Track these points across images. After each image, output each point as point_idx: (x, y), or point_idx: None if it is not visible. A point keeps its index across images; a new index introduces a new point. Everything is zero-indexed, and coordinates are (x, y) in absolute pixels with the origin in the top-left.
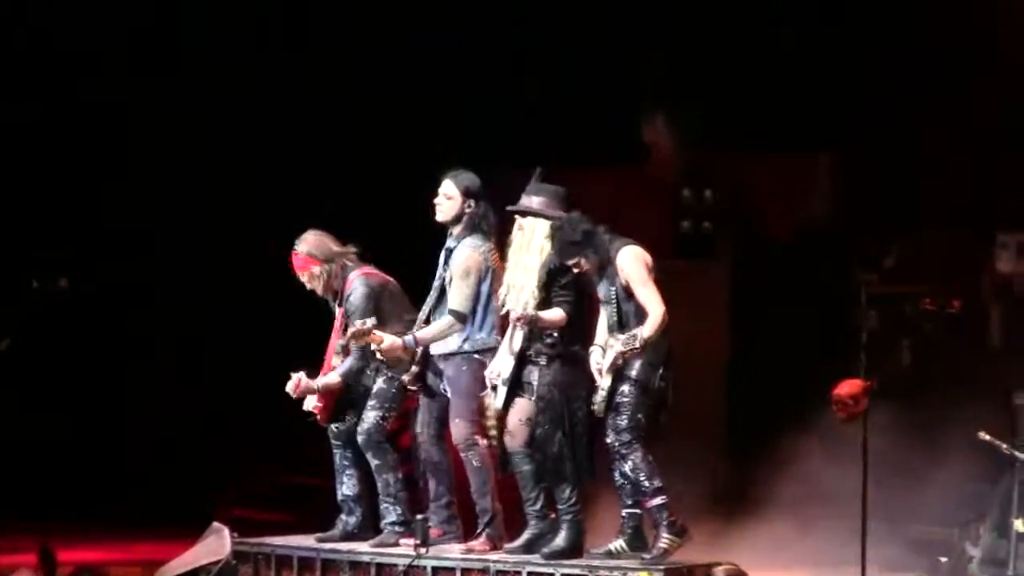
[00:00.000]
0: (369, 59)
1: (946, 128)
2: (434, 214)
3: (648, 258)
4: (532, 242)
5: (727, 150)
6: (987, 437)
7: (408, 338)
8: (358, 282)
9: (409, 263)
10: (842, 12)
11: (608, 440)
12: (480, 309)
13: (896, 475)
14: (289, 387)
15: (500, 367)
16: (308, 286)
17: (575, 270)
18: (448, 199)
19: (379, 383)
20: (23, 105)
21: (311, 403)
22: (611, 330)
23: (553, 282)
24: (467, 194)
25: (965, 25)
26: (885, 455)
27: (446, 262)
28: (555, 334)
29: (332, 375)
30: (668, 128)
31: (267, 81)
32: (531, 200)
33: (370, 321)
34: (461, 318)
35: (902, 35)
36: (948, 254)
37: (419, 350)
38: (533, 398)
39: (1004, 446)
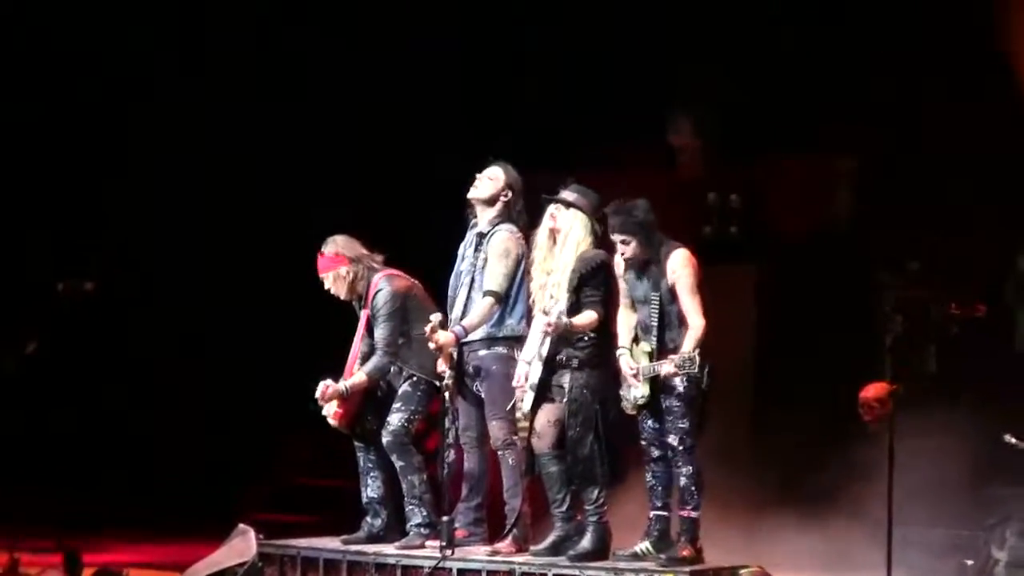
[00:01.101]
0: (369, 59)
1: (970, 129)
2: (467, 191)
3: (692, 261)
4: (569, 236)
5: (752, 152)
6: (1012, 440)
7: (457, 328)
8: (383, 283)
9: (407, 263)
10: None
11: (672, 443)
12: (512, 294)
13: (922, 478)
14: (317, 394)
15: (528, 371)
16: (332, 289)
17: (621, 253)
18: (489, 180)
19: (404, 386)
20: (31, 104)
21: (331, 410)
22: (646, 331)
23: (585, 283)
24: (508, 184)
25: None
26: (910, 458)
27: (477, 248)
28: (587, 337)
29: (359, 375)
30: (694, 131)
31: (266, 81)
32: (570, 195)
33: (435, 317)
34: (499, 298)
35: (938, 35)
36: (972, 257)
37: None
38: (564, 401)
39: None
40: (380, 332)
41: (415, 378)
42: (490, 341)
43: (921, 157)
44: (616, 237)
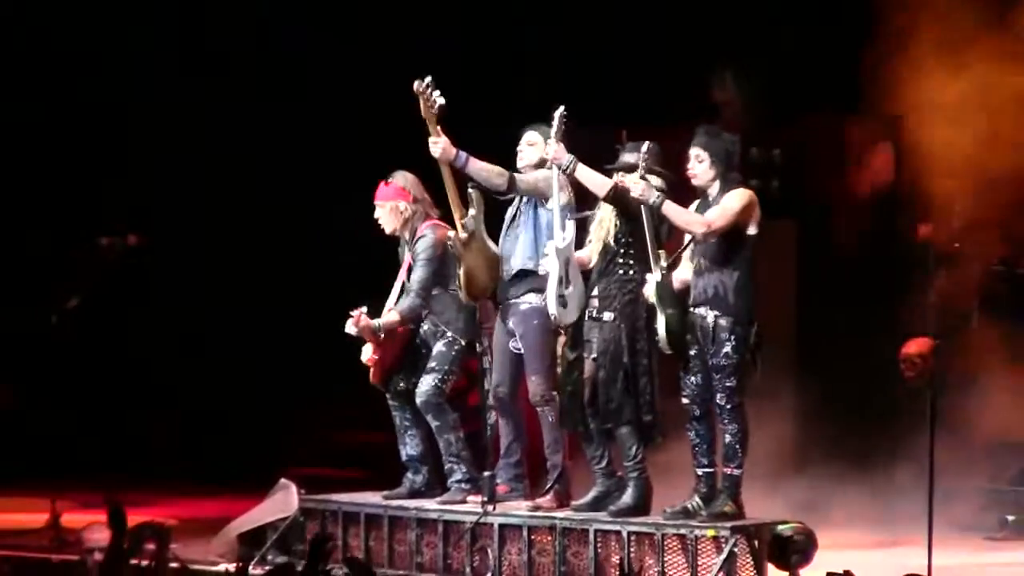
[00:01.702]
0: (368, 58)
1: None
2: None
3: (755, 207)
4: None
5: (795, 109)
6: None
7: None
8: (429, 231)
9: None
10: None
11: (719, 401)
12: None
13: (964, 434)
14: (349, 324)
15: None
16: (381, 220)
17: (689, 168)
18: (530, 145)
19: (439, 346)
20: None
21: (367, 354)
22: (697, 273)
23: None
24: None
25: None
26: (953, 413)
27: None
28: (630, 272)
29: (391, 314)
30: (736, 88)
31: (267, 81)
32: (630, 156)
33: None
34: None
35: None
36: (1016, 213)
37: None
38: (594, 355)
39: None
40: (416, 275)
41: (450, 338)
42: (529, 304)
43: (957, 112)
44: (692, 151)
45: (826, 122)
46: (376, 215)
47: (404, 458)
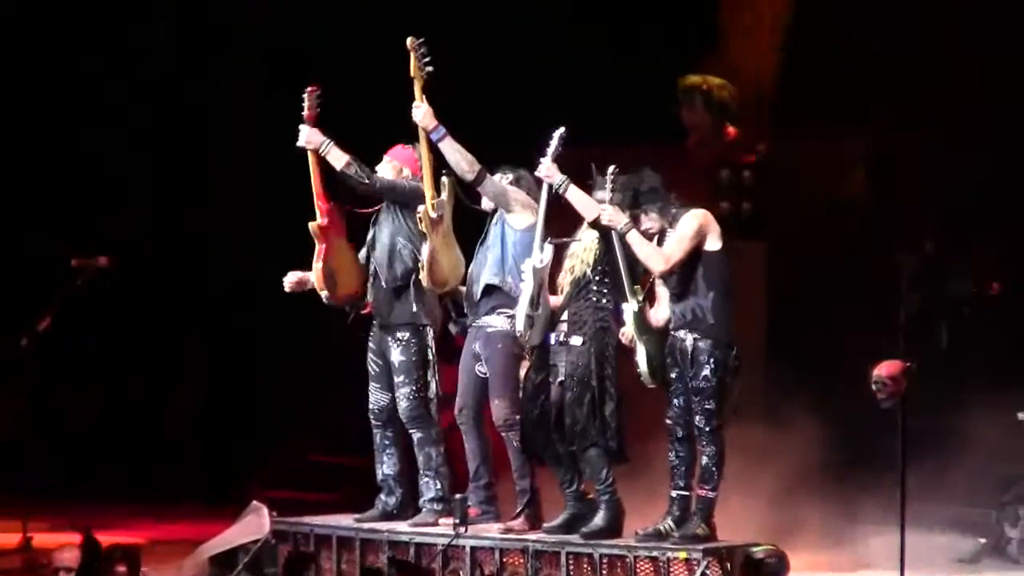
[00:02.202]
0: (368, 58)
1: (984, 105)
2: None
3: (710, 224)
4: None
5: (765, 128)
6: None
7: None
8: None
9: None
10: None
11: (698, 423)
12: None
13: (935, 456)
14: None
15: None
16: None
17: (646, 228)
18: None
19: (397, 355)
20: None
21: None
22: (674, 298)
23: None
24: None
25: None
26: (923, 436)
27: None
28: (603, 300)
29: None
30: (706, 108)
31: (266, 81)
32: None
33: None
34: None
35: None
36: (987, 237)
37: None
38: (561, 379)
39: None
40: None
41: (404, 343)
42: (493, 317)
43: (938, 133)
44: (632, 214)
45: (797, 141)
46: (378, 167)
47: (380, 477)
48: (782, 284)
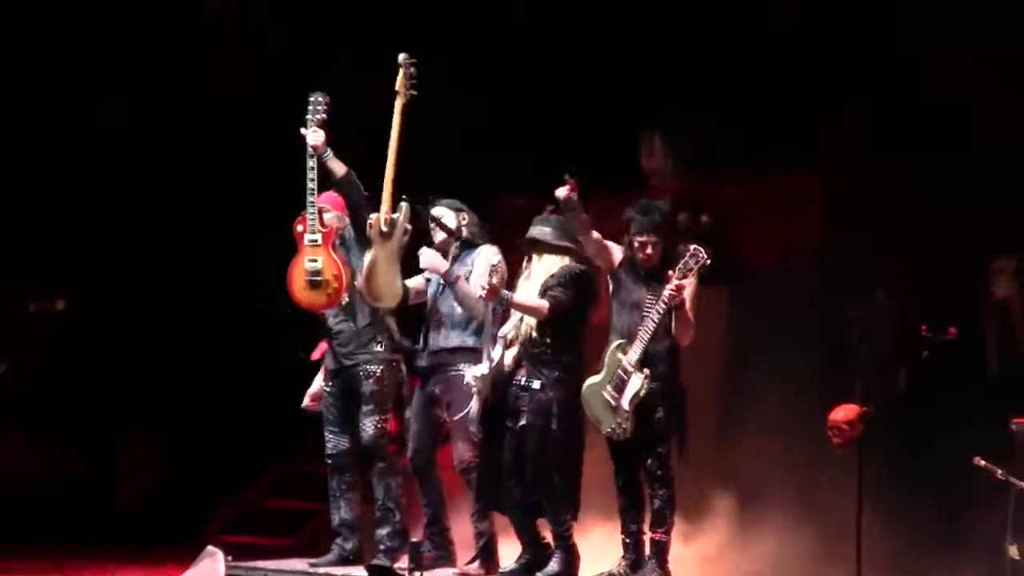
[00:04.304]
0: (368, 59)
1: (940, 153)
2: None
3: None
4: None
5: (723, 172)
6: (983, 463)
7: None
8: None
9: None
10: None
11: (649, 467)
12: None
13: (892, 501)
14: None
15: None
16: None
17: (645, 254)
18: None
19: (369, 386)
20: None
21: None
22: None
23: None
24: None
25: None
26: (880, 481)
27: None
28: (555, 355)
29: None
30: (665, 153)
31: (265, 81)
32: (541, 231)
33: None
34: None
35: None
36: (942, 279)
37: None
38: (521, 423)
39: (999, 472)
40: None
41: (375, 375)
42: (460, 365)
43: (890, 176)
44: (640, 237)
45: (750, 185)
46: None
47: (336, 523)
48: (740, 330)
